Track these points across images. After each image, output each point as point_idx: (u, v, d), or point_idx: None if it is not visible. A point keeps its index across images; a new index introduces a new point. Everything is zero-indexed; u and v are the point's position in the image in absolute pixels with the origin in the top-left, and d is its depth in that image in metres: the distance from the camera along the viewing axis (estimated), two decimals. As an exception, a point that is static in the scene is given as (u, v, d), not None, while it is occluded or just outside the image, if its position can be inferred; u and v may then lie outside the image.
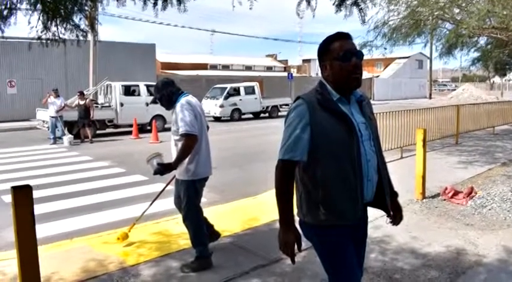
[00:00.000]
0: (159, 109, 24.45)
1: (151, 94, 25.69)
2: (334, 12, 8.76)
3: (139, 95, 28.57)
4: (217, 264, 6.86)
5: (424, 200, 10.32)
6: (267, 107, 41.10)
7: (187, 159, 6.57)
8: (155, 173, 6.62)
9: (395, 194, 4.20)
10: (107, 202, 11.20)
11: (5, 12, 8.19)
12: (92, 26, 10.40)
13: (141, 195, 11.59)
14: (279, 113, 41.11)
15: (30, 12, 8.48)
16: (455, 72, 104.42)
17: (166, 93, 6.84)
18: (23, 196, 4.50)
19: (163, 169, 6.55)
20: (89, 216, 10.05)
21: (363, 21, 9.57)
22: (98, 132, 26.34)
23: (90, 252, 7.59)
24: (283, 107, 42.40)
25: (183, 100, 6.71)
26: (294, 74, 64.74)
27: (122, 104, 27.63)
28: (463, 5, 14.66)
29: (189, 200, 6.76)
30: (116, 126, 27.99)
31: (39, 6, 8.27)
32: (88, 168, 16.16)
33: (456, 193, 10.31)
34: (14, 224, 4.49)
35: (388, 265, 6.75)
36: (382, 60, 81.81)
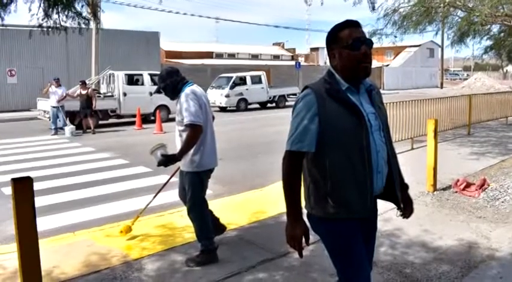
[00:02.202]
0: (163, 99, 24.32)
1: (155, 83, 25.63)
2: (343, 0, 8.75)
3: (142, 84, 28.62)
4: (223, 258, 6.86)
5: (436, 192, 10.31)
6: (274, 97, 41.00)
7: (192, 151, 6.56)
8: (159, 164, 6.61)
9: (406, 186, 4.20)
10: (109, 194, 11.22)
11: None
12: (94, 13, 10.42)
13: (144, 187, 11.60)
14: (287, 103, 41.04)
15: (30, -1, 8.50)
16: (467, 61, 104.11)
17: (171, 82, 6.82)
18: (23, 188, 4.50)
19: (167, 160, 6.54)
20: (91, 208, 10.07)
21: (373, 9, 9.58)
22: (100, 122, 26.41)
23: (93, 246, 7.60)
24: (291, 96, 42.27)
25: (187, 90, 6.69)
26: (302, 63, 64.89)
27: (125, 94, 27.69)
28: (476, -9, 14.62)
29: (194, 192, 6.76)
30: (119, 116, 28.06)
31: (40, -8, 8.28)
32: (90, 159, 16.21)
33: (468, 185, 10.29)
34: (14, 216, 4.50)
35: (398, 259, 6.75)
36: (392, 49, 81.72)
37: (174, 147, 6.76)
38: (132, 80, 28.66)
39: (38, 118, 28.48)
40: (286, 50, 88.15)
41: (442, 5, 15.64)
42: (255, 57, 77.80)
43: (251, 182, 12.04)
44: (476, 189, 10.06)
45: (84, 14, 9.58)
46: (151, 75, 28.66)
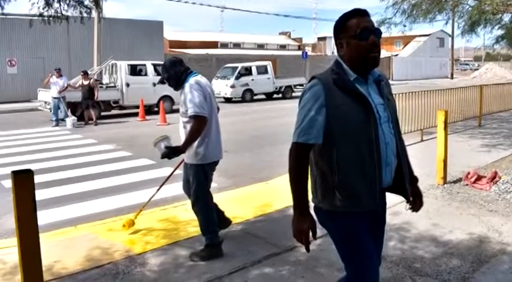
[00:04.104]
0: (166, 89, 24.39)
1: (158, 74, 25.65)
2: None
3: (146, 74, 28.57)
4: (228, 253, 6.86)
5: (446, 185, 10.29)
6: (281, 88, 40.98)
7: (196, 142, 6.55)
8: (163, 156, 6.61)
9: (415, 179, 4.19)
10: (112, 187, 11.23)
11: (4, -12, 8.21)
12: (96, 2, 10.39)
13: (148, 180, 11.61)
14: (293, 94, 41.01)
15: (31, -13, 8.49)
16: (478, 50, 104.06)
17: (175, 72, 6.81)
18: (23, 181, 4.50)
19: (171, 152, 6.53)
20: (93, 202, 10.08)
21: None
22: (102, 113, 26.34)
23: (95, 240, 7.61)
24: (298, 87, 42.16)
25: (192, 80, 6.68)
26: (309, 53, 64.70)
27: (127, 84, 27.63)
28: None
29: (198, 185, 6.76)
30: (122, 107, 28.04)
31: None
32: (92, 151, 16.23)
33: (479, 178, 10.27)
34: (15, 210, 4.50)
35: (407, 253, 6.74)
36: (401, 38, 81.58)
37: (178, 138, 6.76)
38: (135, 70, 28.58)
39: (38, 109, 28.49)
40: (292, 39, 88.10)
41: (452, -8, 15.61)
42: (260, 47, 77.75)
43: (257, 174, 12.04)
44: (488, 182, 10.04)
45: (86, 3, 9.58)
46: (154, 65, 28.60)
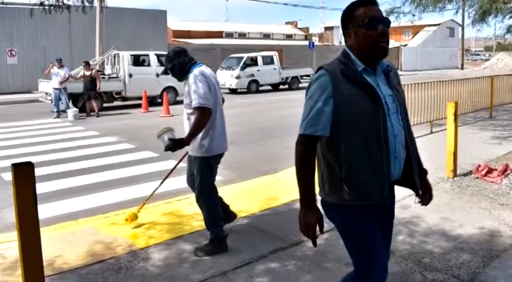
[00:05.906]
0: (170, 80, 24.35)
1: (162, 64, 25.65)
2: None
3: (149, 65, 28.61)
4: (233, 247, 6.85)
5: (456, 178, 10.27)
6: (287, 78, 40.94)
7: (200, 135, 6.53)
8: (166, 149, 6.60)
9: (425, 172, 4.18)
10: (114, 180, 11.23)
11: (4, -23, 8.20)
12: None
13: (151, 172, 11.61)
14: (300, 85, 40.94)
15: (31, -24, 8.48)
16: (489, 40, 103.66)
17: (178, 63, 6.79)
18: (24, 174, 4.49)
19: (175, 145, 6.52)
20: (95, 195, 10.08)
21: (390, -15, 9.49)
22: (104, 105, 26.42)
23: (97, 234, 7.61)
24: (304, 78, 42.09)
25: (196, 71, 6.66)
26: (316, 43, 64.75)
27: (130, 75, 27.64)
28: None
29: (202, 178, 6.74)
30: (124, 98, 28.06)
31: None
32: (94, 143, 16.23)
33: (490, 171, 10.24)
34: (15, 204, 4.49)
35: (416, 248, 6.73)
36: (411, 28, 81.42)
37: (182, 131, 6.74)
38: (138, 61, 28.60)
39: (39, 100, 28.54)
40: (299, 29, 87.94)
41: (463, -19, 15.59)
42: (266, 36, 77.65)
43: (263, 167, 12.02)
44: (499, 175, 10.01)
45: (87, -8, 9.57)
46: (158, 55, 28.60)
